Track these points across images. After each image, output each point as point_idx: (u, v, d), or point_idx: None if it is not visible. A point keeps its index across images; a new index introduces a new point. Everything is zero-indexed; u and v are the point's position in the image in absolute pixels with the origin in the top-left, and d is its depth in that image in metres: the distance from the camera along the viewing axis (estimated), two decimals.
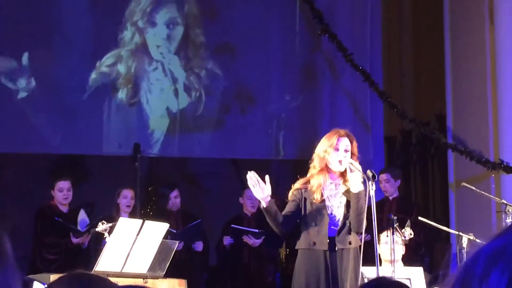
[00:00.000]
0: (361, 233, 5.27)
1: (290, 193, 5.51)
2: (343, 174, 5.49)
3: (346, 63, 9.62)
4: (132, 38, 9.92)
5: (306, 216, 5.44)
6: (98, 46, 9.81)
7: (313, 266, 5.36)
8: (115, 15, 9.89)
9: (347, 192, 5.44)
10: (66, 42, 9.61)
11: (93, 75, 9.75)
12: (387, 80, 10.38)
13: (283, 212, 5.44)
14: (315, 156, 5.50)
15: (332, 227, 5.43)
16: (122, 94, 9.87)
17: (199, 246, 8.35)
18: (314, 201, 5.41)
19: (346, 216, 5.40)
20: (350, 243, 5.37)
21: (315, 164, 5.46)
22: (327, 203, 5.43)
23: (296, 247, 5.51)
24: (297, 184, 5.51)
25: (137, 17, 9.96)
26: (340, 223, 5.41)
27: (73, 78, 9.61)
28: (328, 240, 5.38)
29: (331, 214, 5.43)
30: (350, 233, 5.39)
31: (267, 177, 5.24)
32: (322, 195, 5.41)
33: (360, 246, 5.36)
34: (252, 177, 5.21)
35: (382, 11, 10.67)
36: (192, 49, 10.07)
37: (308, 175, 5.52)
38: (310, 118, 10.14)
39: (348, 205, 5.44)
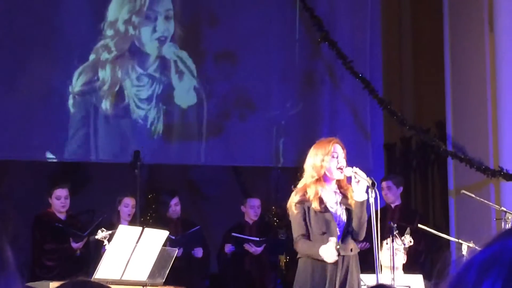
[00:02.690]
0: (360, 241, 5.29)
1: (292, 207, 5.41)
2: (339, 182, 5.46)
3: (346, 71, 9.63)
4: (115, 43, 9.85)
5: (312, 225, 5.37)
6: (95, 51, 9.79)
7: (320, 273, 5.32)
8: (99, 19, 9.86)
9: (345, 199, 5.43)
10: (65, 47, 9.60)
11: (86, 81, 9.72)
12: (387, 87, 10.38)
13: (302, 233, 5.40)
14: (308, 167, 5.41)
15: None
16: (117, 101, 9.85)
17: (198, 252, 8.35)
18: (315, 209, 5.36)
19: (347, 224, 5.40)
20: (351, 250, 5.38)
21: (312, 174, 5.37)
22: (331, 211, 5.40)
23: (300, 256, 5.45)
24: (296, 197, 5.41)
25: (125, 17, 9.90)
26: (343, 231, 5.41)
27: (71, 83, 9.60)
28: None
29: (338, 222, 5.40)
30: (350, 241, 5.39)
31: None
32: (320, 203, 5.38)
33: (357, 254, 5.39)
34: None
35: (381, 18, 10.68)
36: (192, 54, 10.07)
37: (301, 185, 5.45)
38: (310, 125, 10.13)
39: (348, 212, 5.41)
